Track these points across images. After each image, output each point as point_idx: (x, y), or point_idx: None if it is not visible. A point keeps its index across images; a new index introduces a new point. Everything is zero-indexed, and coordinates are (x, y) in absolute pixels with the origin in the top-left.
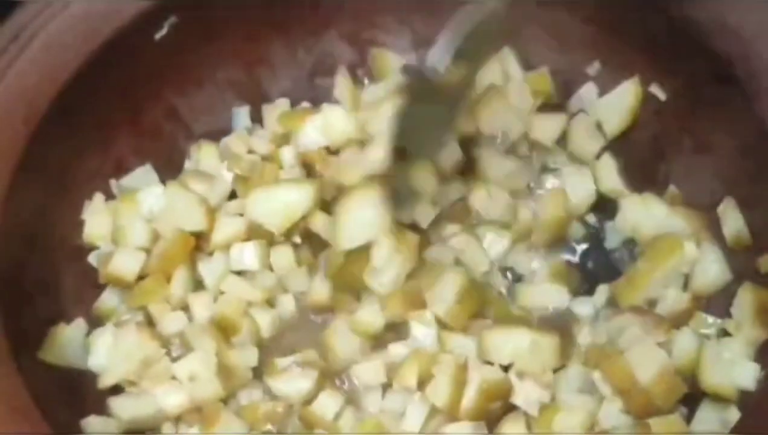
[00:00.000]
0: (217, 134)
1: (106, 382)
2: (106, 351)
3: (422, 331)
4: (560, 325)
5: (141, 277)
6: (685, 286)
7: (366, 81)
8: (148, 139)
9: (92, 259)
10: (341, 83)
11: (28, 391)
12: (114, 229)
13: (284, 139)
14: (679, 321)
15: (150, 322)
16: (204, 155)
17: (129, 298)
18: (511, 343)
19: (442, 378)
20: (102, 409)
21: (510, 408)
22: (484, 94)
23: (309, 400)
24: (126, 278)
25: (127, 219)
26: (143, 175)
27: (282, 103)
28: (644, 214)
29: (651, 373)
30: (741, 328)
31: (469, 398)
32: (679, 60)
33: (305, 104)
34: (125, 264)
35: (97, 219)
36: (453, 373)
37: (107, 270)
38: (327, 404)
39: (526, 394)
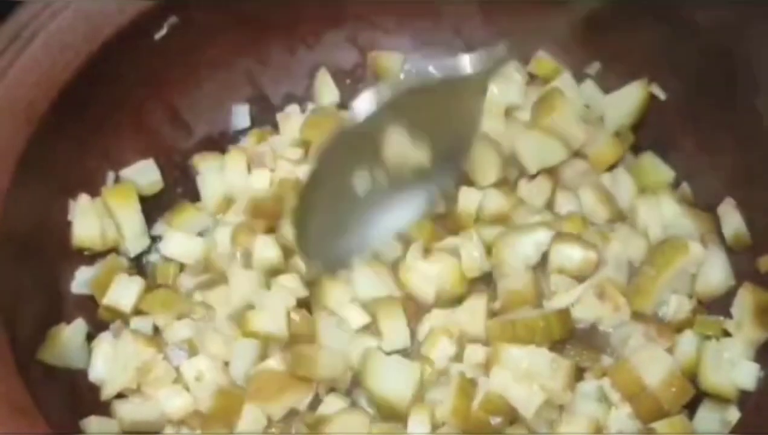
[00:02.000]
0: (217, 134)
1: (106, 393)
2: (105, 363)
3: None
4: (590, 338)
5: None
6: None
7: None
8: (148, 139)
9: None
10: (322, 82)
11: (28, 392)
12: (105, 226)
13: (306, 145)
14: (681, 326)
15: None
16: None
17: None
18: (529, 359)
19: (447, 388)
20: (102, 410)
21: (514, 419)
22: (546, 96)
23: (315, 404)
24: (122, 310)
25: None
26: (144, 169)
27: (293, 111)
28: (655, 213)
29: (659, 376)
30: (741, 328)
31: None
32: (679, 60)
33: (310, 105)
34: (121, 295)
35: (85, 220)
36: (459, 383)
37: (103, 302)
38: (332, 409)
39: (537, 411)
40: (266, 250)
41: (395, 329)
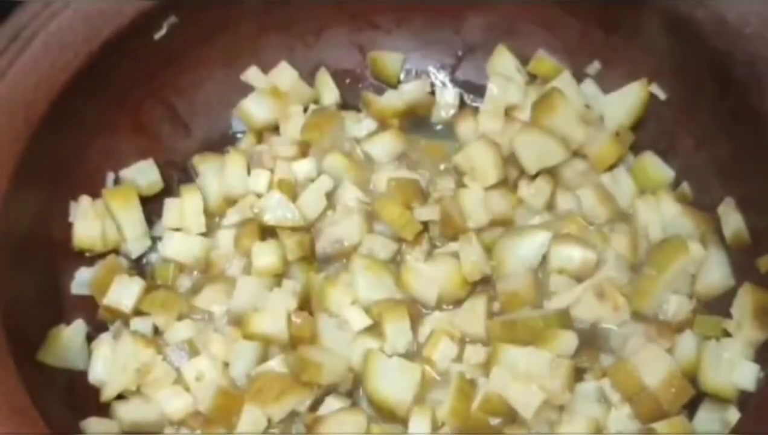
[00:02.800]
0: (216, 135)
1: (106, 395)
2: (104, 364)
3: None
4: (590, 338)
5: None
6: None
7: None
8: (148, 139)
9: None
10: (322, 82)
11: (28, 392)
12: (106, 227)
13: (305, 146)
14: (681, 326)
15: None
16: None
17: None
18: (528, 360)
19: (447, 389)
20: (101, 411)
21: (513, 420)
22: (546, 96)
23: (315, 405)
24: (122, 311)
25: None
26: (144, 169)
27: (296, 111)
28: (655, 213)
29: (659, 376)
30: (741, 328)
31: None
32: (679, 60)
33: (313, 106)
34: (121, 296)
35: (86, 222)
36: (458, 384)
37: (104, 302)
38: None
39: (537, 412)
40: (266, 255)
41: (399, 332)
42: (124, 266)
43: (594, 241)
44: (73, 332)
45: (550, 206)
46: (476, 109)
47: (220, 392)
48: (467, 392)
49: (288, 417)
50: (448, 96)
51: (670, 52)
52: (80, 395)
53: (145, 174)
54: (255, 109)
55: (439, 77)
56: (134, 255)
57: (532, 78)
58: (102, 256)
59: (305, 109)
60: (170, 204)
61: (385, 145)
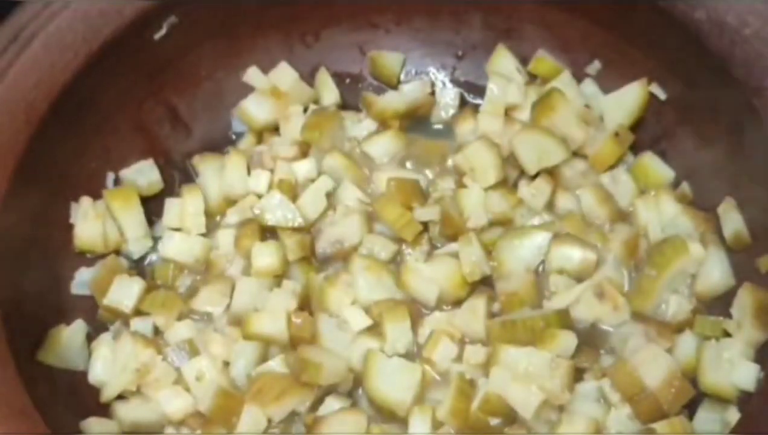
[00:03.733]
0: (216, 135)
1: (106, 395)
2: (104, 365)
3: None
4: (590, 338)
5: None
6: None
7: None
8: (148, 139)
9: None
10: (322, 82)
11: (28, 392)
12: (106, 228)
13: (305, 146)
14: (681, 326)
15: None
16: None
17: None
18: (528, 360)
19: (447, 389)
20: (101, 411)
21: (513, 420)
22: (546, 96)
23: (315, 405)
24: (122, 311)
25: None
26: (144, 170)
27: (296, 111)
28: (655, 213)
29: (659, 377)
30: (741, 328)
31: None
32: (679, 60)
33: (313, 106)
34: (122, 296)
35: (87, 223)
36: (458, 384)
37: (104, 302)
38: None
39: (537, 412)
40: (266, 256)
41: (399, 332)
42: (124, 266)
43: (594, 241)
44: (73, 332)
45: (550, 206)
46: (476, 109)
47: (220, 392)
48: (467, 392)
49: (288, 417)
50: (448, 96)
51: (670, 52)
52: (80, 395)
53: (145, 174)
54: (255, 109)
55: (439, 77)
56: (136, 256)
57: (532, 78)
58: (102, 256)
59: (305, 110)
60: (170, 204)
61: (385, 145)
